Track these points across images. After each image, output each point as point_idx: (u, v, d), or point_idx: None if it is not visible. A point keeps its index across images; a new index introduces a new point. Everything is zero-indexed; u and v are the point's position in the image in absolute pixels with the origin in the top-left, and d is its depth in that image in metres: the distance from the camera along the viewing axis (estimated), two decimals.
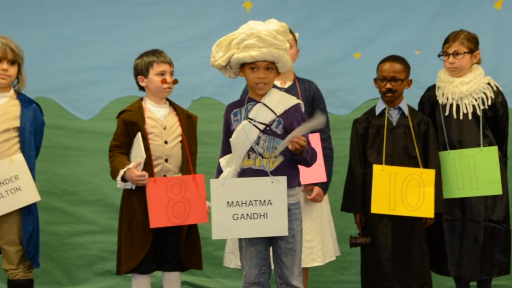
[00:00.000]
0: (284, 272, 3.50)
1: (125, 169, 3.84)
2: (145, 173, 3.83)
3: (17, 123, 4.04)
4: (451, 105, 4.26)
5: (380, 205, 4.07)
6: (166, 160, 3.95)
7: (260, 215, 3.42)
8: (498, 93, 4.28)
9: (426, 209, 4.07)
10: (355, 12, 5.06)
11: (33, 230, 4.06)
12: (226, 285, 5.00)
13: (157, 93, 4.03)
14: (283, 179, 3.42)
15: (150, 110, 4.00)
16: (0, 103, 4.03)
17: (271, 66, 3.49)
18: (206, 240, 4.97)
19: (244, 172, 3.50)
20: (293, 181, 3.51)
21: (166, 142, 3.96)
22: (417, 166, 4.11)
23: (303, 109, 3.59)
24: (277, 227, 3.42)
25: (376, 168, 4.09)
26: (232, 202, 3.44)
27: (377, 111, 4.27)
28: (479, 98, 4.24)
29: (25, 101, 4.10)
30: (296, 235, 3.50)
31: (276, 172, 3.45)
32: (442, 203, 4.14)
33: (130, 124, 3.93)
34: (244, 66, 3.54)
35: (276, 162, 3.47)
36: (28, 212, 4.04)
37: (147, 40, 5.03)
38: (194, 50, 5.06)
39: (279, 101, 3.51)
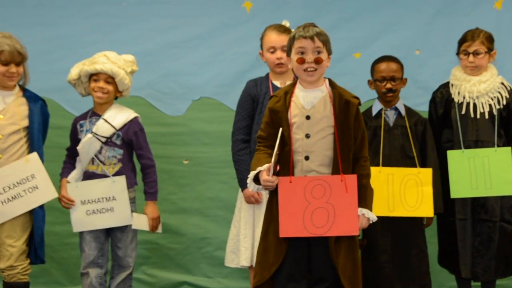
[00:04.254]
0: (118, 255, 4.15)
1: (256, 172, 3.32)
2: (273, 178, 3.26)
3: (26, 122, 4.09)
4: (468, 104, 4.25)
5: (379, 207, 4.04)
6: (307, 158, 3.33)
7: (107, 209, 4.11)
8: (511, 92, 4.28)
9: (425, 209, 4.06)
10: (355, 12, 5.05)
11: (44, 226, 4.12)
12: (226, 285, 5.00)
13: (298, 75, 3.45)
14: (122, 178, 4.10)
15: (297, 95, 3.40)
16: (8, 102, 4.07)
17: (111, 81, 4.12)
18: (206, 240, 5.02)
19: (89, 176, 4.13)
20: (130, 183, 4.17)
21: (307, 136, 3.35)
22: (414, 166, 4.11)
23: (140, 121, 4.21)
24: (122, 217, 4.11)
25: (373, 170, 4.05)
26: (84, 201, 4.13)
27: (374, 112, 4.26)
28: (494, 97, 4.24)
29: (31, 99, 4.15)
30: (129, 225, 4.15)
31: (116, 176, 4.12)
32: (441, 203, 4.13)
33: (274, 112, 3.39)
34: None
35: (115, 168, 4.13)
36: (40, 209, 4.10)
37: (147, 40, 5.04)
38: (194, 50, 5.06)
39: (117, 115, 4.13)
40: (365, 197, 3.36)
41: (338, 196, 3.28)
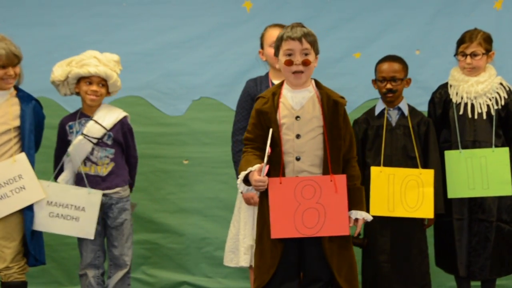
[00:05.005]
0: (114, 254, 4.16)
1: (246, 172, 3.29)
2: (264, 178, 3.24)
3: (17, 122, 4.07)
4: (466, 104, 4.25)
5: (378, 207, 4.06)
6: (298, 159, 3.33)
7: (73, 218, 4.07)
8: (510, 93, 4.28)
9: (425, 210, 4.06)
10: (355, 12, 5.05)
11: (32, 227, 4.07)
12: (226, 285, 5.00)
13: (286, 77, 3.45)
14: (98, 193, 4.07)
15: (285, 96, 3.39)
16: (0, 101, 4.04)
17: (103, 83, 4.09)
18: (206, 240, 5.02)
19: (82, 178, 4.09)
20: (124, 181, 4.19)
21: (298, 136, 3.35)
22: (416, 167, 4.10)
23: (129, 120, 4.20)
24: (84, 230, 4.08)
25: (374, 170, 4.08)
26: (51, 202, 4.07)
27: (377, 112, 4.26)
28: (493, 98, 4.24)
29: (24, 99, 4.13)
30: (125, 223, 4.18)
31: (109, 176, 4.12)
32: (442, 204, 4.13)
33: (261, 113, 3.37)
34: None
35: (108, 168, 4.12)
36: (28, 209, 4.06)
37: (147, 40, 5.04)
38: (194, 50, 5.06)
39: (106, 116, 4.12)
40: (361, 199, 3.39)
41: (328, 196, 3.28)
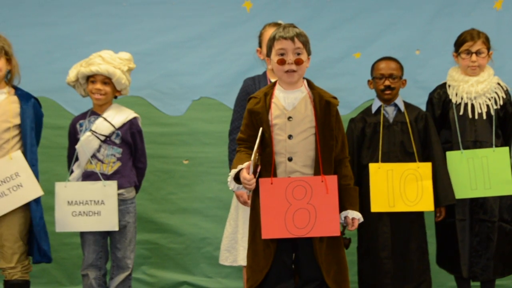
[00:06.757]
0: (117, 256, 4.15)
1: (236, 170, 3.28)
2: (250, 177, 3.19)
3: (17, 120, 4.07)
4: (466, 105, 4.25)
5: (379, 203, 4.07)
6: (290, 159, 3.31)
7: (94, 213, 4.06)
8: (507, 93, 4.30)
9: (425, 203, 4.07)
10: (355, 12, 5.06)
11: (43, 222, 4.09)
12: (226, 285, 5.00)
13: (278, 77, 3.43)
14: (113, 183, 4.06)
15: (277, 96, 3.39)
16: None
17: (108, 81, 4.10)
18: (206, 240, 5.02)
19: (88, 175, 4.12)
20: (129, 182, 4.17)
21: (290, 137, 3.33)
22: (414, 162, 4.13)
23: (139, 122, 4.21)
24: (108, 223, 4.07)
25: (372, 166, 4.09)
26: (71, 201, 4.08)
27: (373, 109, 4.27)
28: (492, 97, 4.25)
29: (23, 97, 4.13)
30: (128, 226, 4.16)
31: (114, 175, 4.11)
32: (453, 194, 4.13)
33: (253, 114, 3.36)
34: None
35: (114, 167, 4.12)
36: (35, 205, 4.07)
37: (147, 40, 5.05)
38: (194, 50, 5.06)
39: (116, 115, 4.13)
40: (356, 200, 3.39)
41: (319, 197, 3.26)
